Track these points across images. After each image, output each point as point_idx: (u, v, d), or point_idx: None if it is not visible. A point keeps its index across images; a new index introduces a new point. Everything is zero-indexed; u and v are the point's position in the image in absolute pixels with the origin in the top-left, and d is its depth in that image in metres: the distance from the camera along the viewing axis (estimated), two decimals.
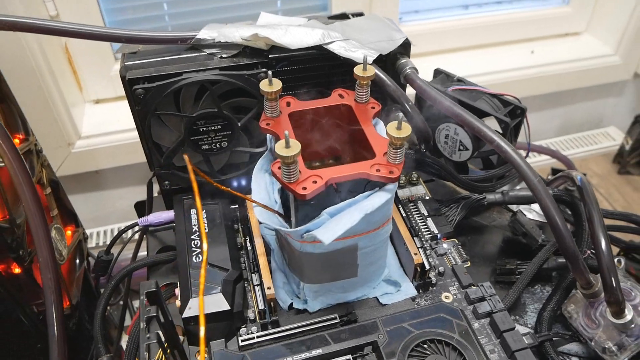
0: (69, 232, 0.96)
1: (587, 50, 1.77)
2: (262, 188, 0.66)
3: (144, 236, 0.90)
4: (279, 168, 0.57)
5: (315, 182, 0.57)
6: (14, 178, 0.62)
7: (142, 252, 0.91)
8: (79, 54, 1.30)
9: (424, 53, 1.68)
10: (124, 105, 1.39)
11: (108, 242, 1.38)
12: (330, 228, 0.57)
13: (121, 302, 1.06)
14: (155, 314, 0.52)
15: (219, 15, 1.40)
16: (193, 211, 0.77)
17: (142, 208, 0.96)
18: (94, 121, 1.36)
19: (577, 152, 1.80)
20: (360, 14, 0.88)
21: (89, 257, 1.05)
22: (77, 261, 0.95)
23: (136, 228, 0.88)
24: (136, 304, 1.16)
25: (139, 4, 1.33)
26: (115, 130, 1.34)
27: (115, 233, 1.42)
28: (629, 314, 0.66)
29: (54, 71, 1.21)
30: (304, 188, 0.56)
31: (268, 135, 0.69)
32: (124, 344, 1.00)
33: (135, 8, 1.33)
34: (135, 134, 1.31)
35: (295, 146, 0.54)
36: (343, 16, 0.88)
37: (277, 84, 0.63)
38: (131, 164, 1.39)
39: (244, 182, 0.84)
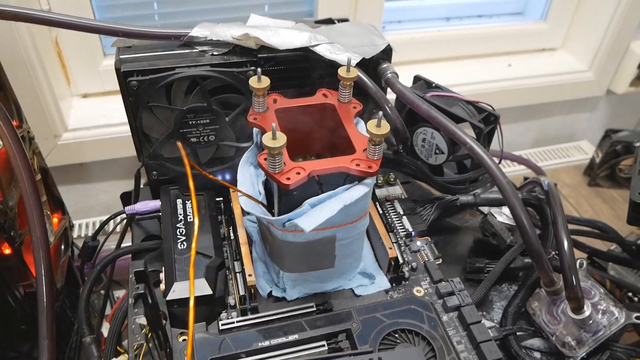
0: (55, 219, 0.98)
1: (562, 65, 1.81)
2: (247, 180, 0.70)
3: (129, 227, 0.92)
4: (265, 159, 0.60)
5: (298, 173, 0.60)
6: (13, 160, 0.65)
7: (126, 243, 0.94)
8: (68, 48, 1.32)
9: (406, 62, 1.71)
10: (111, 100, 1.42)
11: (90, 234, 1.41)
12: (311, 217, 0.61)
13: (102, 292, 1.09)
14: (143, 292, 0.55)
15: (207, 16, 1.43)
16: (179, 201, 0.80)
17: (127, 198, 0.98)
18: (80, 115, 1.38)
19: (550, 164, 1.84)
20: (346, 20, 0.92)
21: (73, 245, 1.07)
22: (62, 247, 0.97)
23: (121, 217, 0.90)
24: (116, 293, 1.18)
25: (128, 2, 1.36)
26: (101, 125, 1.36)
27: (98, 225, 1.45)
28: (587, 311, 0.69)
29: (44, 64, 1.23)
30: (288, 178, 0.60)
31: (255, 130, 0.73)
32: (104, 331, 1.03)
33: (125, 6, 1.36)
34: (121, 128, 1.35)
35: (281, 138, 0.58)
36: (329, 21, 0.91)
37: (266, 81, 0.67)
38: (115, 158, 1.41)
39: (228, 176, 0.87)
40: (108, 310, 1.05)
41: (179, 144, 0.51)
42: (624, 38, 1.72)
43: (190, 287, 0.40)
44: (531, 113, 1.85)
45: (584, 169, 1.75)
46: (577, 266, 0.70)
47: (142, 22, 1.38)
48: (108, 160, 1.42)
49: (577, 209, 1.59)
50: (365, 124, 0.63)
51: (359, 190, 0.63)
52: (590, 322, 0.70)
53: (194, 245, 0.45)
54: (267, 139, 0.58)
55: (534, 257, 0.70)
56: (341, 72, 0.70)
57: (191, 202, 0.61)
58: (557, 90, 1.78)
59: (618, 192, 1.64)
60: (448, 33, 1.74)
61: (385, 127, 0.60)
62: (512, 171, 1.74)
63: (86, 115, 1.39)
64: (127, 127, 1.32)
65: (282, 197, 0.64)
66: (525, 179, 1.21)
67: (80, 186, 1.46)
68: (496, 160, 0.74)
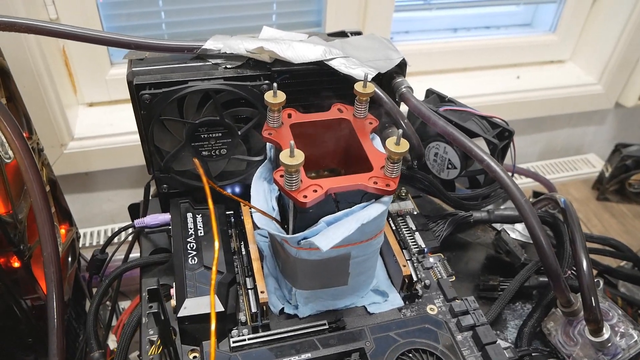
0: (63, 231, 0.97)
1: (571, 78, 1.80)
2: (261, 195, 0.69)
3: (137, 239, 0.91)
4: (281, 176, 0.59)
5: (315, 191, 0.59)
6: (25, 174, 0.64)
7: (134, 254, 0.92)
8: (75, 57, 1.31)
9: (413, 72, 1.69)
10: (117, 109, 1.41)
11: (94, 243, 1.40)
12: (328, 236, 0.59)
13: (108, 303, 1.08)
14: (157, 310, 0.54)
15: (215, 26, 1.42)
16: (189, 214, 0.79)
17: (135, 210, 0.97)
18: (87, 124, 1.37)
19: (558, 177, 1.83)
20: (359, 33, 0.91)
21: (80, 256, 1.06)
22: (70, 259, 0.96)
23: (130, 230, 0.89)
24: (122, 304, 1.17)
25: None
26: (107, 134, 1.35)
27: (102, 234, 1.44)
28: (606, 333, 0.68)
29: (51, 72, 1.22)
30: (305, 196, 0.58)
31: (268, 145, 0.71)
32: (109, 343, 1.02)
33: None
34: (127, 137, 1.34)
35: (299, 156, 0.57)
36: (342, 34, 0.90)
37: (281, 96, 0.66)
38: (121, 168, 1.40)
39: (237, 189, 0.86)
40: (113, 322, 1.04)
41: (196, 161, 0.50)
42: (634, 51, 1.71)
43: (212, 317, 0.39)
44: (539, 125, 1.84)
45: (592, 183, 1.74)
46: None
47: (149, 30, 1.38)
48: (113, 169, 1.41)
49: (586, 223, 1.58)
50: (382, 140, 0.62)
51: (375, 209, 0.61)
52: (609, 345, 0.69)
53: (214, 268, 0.44)
54: (284, 157, 0.57)
55: (551, 278, 0.69)
56: (357, 87, 0.69)
57: (211, 222, 0.59)
58: (565, 102, 1.77)
59: (627, 207, 1.63)
60: (456, 44, 1.73)
61: (405, 145, 0.59)
62: (522, 183, 1.73)
63: (92, 124, 1.38)
64: (133, 137, 1.33)
65: (297, 215, 0.63)
66: (535, 193, 1.21)
67: (85, 195, 1.45)
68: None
